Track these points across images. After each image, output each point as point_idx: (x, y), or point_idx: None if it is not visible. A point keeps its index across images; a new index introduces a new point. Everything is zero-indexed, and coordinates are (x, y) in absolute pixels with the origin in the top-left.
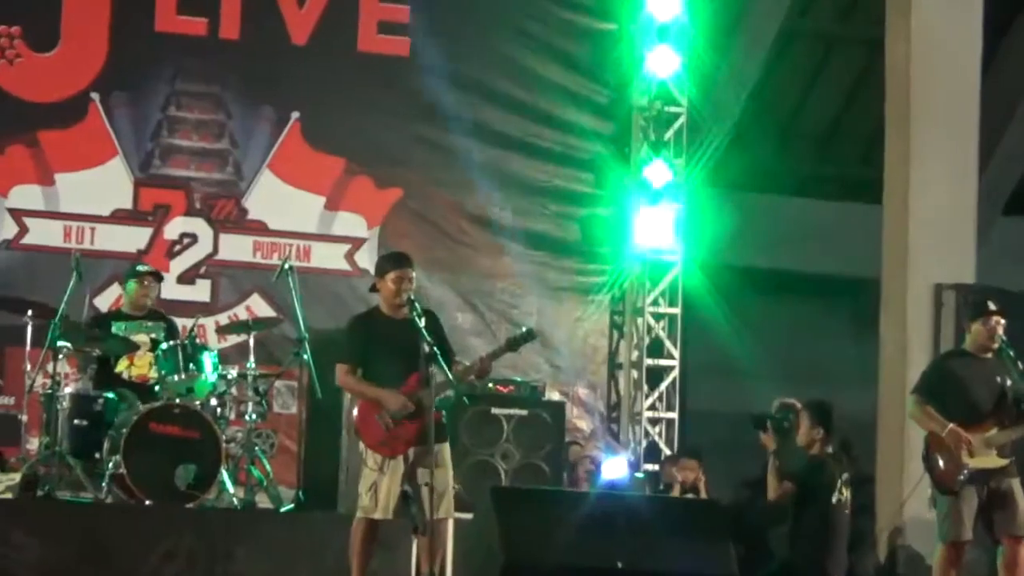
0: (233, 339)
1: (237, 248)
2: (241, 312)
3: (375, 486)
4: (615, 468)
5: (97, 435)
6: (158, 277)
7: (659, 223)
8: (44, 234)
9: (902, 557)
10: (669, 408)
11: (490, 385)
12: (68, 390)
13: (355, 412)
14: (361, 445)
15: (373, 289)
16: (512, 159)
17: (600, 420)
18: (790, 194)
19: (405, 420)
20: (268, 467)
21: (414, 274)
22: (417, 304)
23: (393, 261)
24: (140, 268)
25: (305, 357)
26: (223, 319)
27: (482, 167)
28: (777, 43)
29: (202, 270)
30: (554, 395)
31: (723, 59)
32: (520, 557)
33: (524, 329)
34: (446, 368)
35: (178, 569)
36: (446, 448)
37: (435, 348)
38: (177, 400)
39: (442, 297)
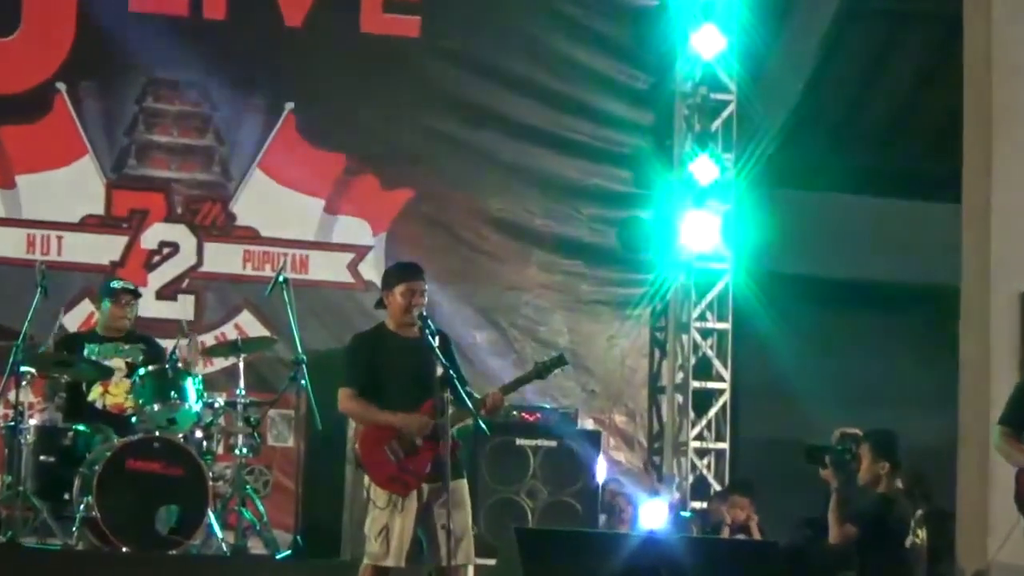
0: (220, 362)
1: (224, 258)
2: (229, 331)
3: (386, 529)
4: (653, 514)
5: (66, 473)
6: (136, 294)
7: (706, 226)
8: (4, 244)
9: None
10: (718, 438)
11: (514, 412)
12: (33, 422)
13: (358, 444)
14: (367, 481)
15: (380, 304)
16: (539, 155)
17: (640, 452)
18: (855, 192)
19: (418, 451)
20: (262, 508)
21: (426, 287)
22: (430, 322)
23: (402, 272)
24: (116, 284)
25: (303, 382)
26: (209, 339)
27: (505, 164)
28: (837, 21)
29: (184, 284)
30: (588, 423)
31: (776, 40)
32: None
33: (554, 354)
34: (464, 393)
35: None
36: (463, 485)
37: (451, 370)
38: (157, 432)
39: (458, 313)
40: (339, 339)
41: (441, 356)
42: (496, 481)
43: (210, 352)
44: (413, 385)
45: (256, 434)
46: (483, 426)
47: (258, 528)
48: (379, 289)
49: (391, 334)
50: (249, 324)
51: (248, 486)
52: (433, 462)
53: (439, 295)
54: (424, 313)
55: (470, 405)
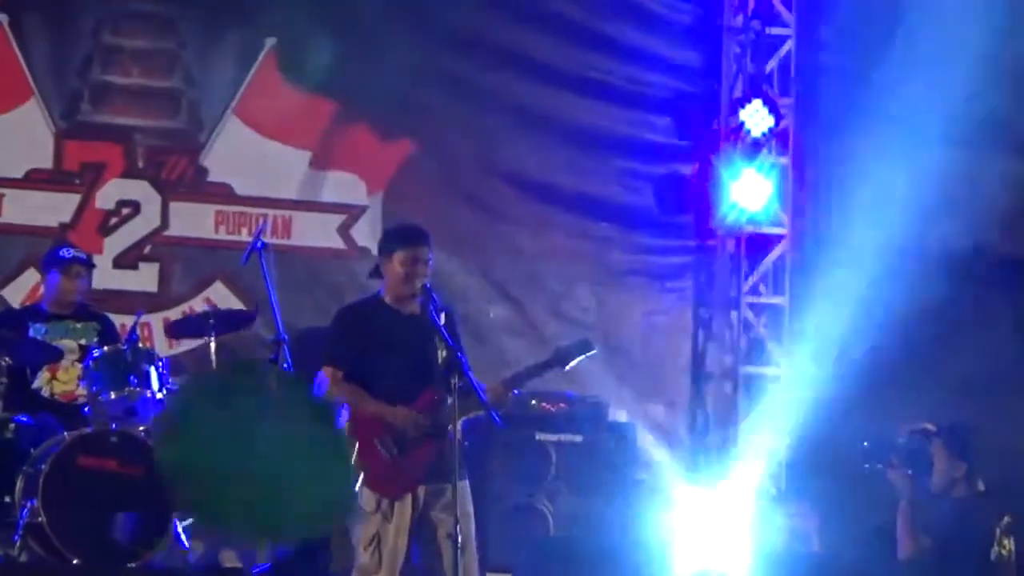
0: (189, 343)
1: (193, 221)
2: (199, 306)
3: (377, 538)
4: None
5: (7, 472)
6: (90, 265)
7: (760, 184)
8: None
9: None
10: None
11: (533, 402)
12: None
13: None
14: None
15: (375, 273)
16: (563, 100)
17: (682, 449)
18: (942, 144)
19: (415, 447)
20: None
21: (431, 254)
22: (435, 295)
23: (403, 236)
24: (66, 253)
25: (285, 366)
26: (175, 315)
27: (522, 111)
28: None
29: (147, 250)
30: (620, 415)
31: None
32: None
33: (578, 338)
34: (473, 380)
35: None
36: (466, 488)
37: (459, 353)
38: (114, 425)
39: (468, 285)
40: (327, 315)
41: (447, 335)
42: (511, 483)
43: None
44: (411, 369)
45: None
46: (495, 418)
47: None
48: (375, 256)
49: (387, 308)
50: (222, 298)
51: None
52: (433, 460)
53: (445, 264)
54: (428, 285)
55: (480, 393)
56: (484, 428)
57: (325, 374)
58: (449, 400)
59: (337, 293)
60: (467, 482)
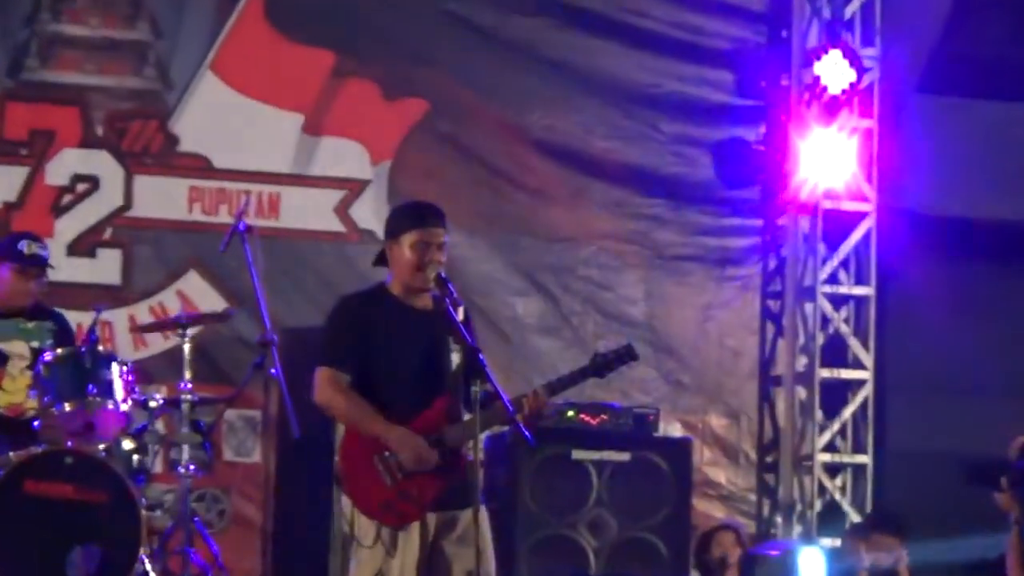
0: (158, 344)
1: (163, 199)
2: (170, 301)
3: None
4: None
5: None
6: (42, 262)
7: (839, 151)
8: None
9: None
10: (857, 448)
11: (569, 414)
12: None
13: (339, 454)
14: (348, 508)
15: (380, 260)
16: (604, 51)
17: (747, 468)
18: None
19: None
20: (215, 548)
21: (447, 236)
22: (451, 286)
23: (413, 215)
24: (23, 247)
25: (273, 372)
26: (141, 312)
27: (556, 66)
28: None
29: (107, 235)
30: (673, 428)
31: None
32: None
33: (618, 346)
34: (497, 387)
35: None
36: (484, 518)
37: (479, 356)
38: (69, 443)
39: (491, 272)
40: (323, 311)
41: (466, 333)
42: (544, 510)
43: (145, 330)
44: (421, 373)
45: (208, 445)
46: (526, 434)
47: None
48: (380, 240)
49: (394, 301)
50: (197, 291)
51: (197, 518)
52: (445, 482)
53: (466, 249)
54: (443, 274)
55: (507, 403)
56: (510, 445)
57: (321, 378)
58: (468, 411)
59: (334, 284)
60: (485, 511)
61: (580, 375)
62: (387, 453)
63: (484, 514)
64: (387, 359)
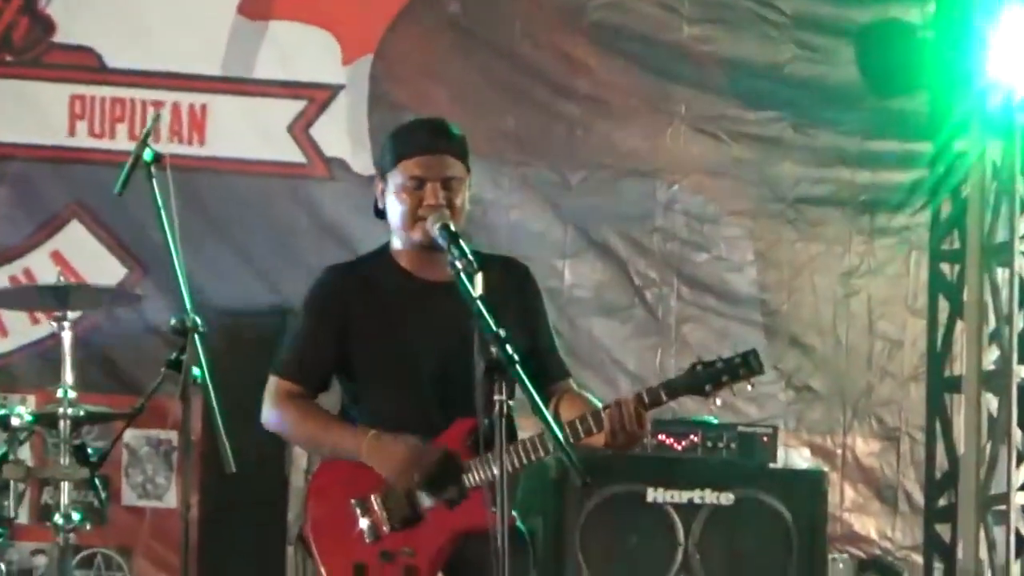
0: (24, 331)
1: (30, 114)
2: (42, 266)
3: None
4: None
5: None
6: None
7: None
8: None
9: None
10: None
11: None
12: None
13: (307, 493)
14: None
15: (379, 214)
16: None
17: (913, 515)
18: None
19: (421, 516)
20: None
21: (460, 168)
22: (463, 243)
23: (403, 140)
24: None
25: (196, 373)
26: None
27: None
28: None
29: None
30: (799, 454)
31: None
32: None
33: (735, 355)
34: (538, 399)
35: None
36: None
37: (510, 348)
38: None
39: (524, 223)
40: (273, 286)
41: (504, 314)
42: (609, 570)
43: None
44: (435, 379)
45: (99, 482)
46: (574, 464)
47: None
48: (356, 175)
49: (398, 272)
50: (82, 252)
51: None
52: (461, 529)
53: (484, 188)
54: (450, 224)
55: (551, 422)
56: (556, 482)
57: (268, 391)
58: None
59: (293, 248)
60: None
61: (684, 386)
62: (372, 494)
63: None
64: (385, 360)
